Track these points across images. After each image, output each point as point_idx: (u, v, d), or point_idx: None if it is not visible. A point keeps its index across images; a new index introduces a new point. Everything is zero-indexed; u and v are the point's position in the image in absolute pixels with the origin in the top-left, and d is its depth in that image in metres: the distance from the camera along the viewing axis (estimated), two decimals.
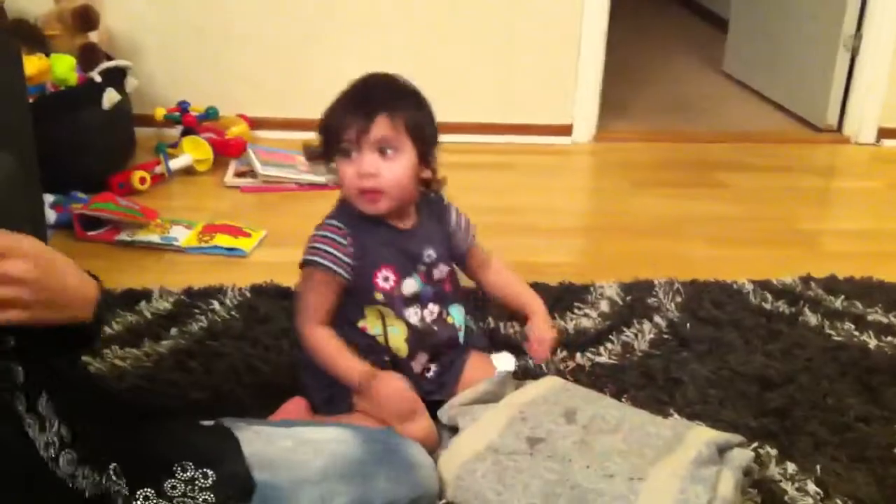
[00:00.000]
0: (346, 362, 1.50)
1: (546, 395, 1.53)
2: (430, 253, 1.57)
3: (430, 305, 1.58)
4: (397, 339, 1.55)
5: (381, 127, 1.47)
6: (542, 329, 1.69)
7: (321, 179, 2.76)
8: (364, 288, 1.53)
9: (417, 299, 1.56)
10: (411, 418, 1.46)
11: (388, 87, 1.54)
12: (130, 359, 1.76)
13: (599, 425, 1.45)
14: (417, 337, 1.56)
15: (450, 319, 1.62)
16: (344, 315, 1.55)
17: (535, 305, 1.74)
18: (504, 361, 1.69)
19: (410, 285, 1.55)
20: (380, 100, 1.49)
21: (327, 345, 1.52)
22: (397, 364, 1.56)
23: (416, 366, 1.58)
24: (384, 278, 1.53)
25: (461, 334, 1.64)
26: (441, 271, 1.60)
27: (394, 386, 1.48)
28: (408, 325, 1.55)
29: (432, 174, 1.58)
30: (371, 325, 1.55)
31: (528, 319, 1.72)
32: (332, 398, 1.55)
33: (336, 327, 1.54)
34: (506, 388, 1.58)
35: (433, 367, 1.60)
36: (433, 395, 1.57)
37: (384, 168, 1.48)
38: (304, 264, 1.53)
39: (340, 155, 1.50)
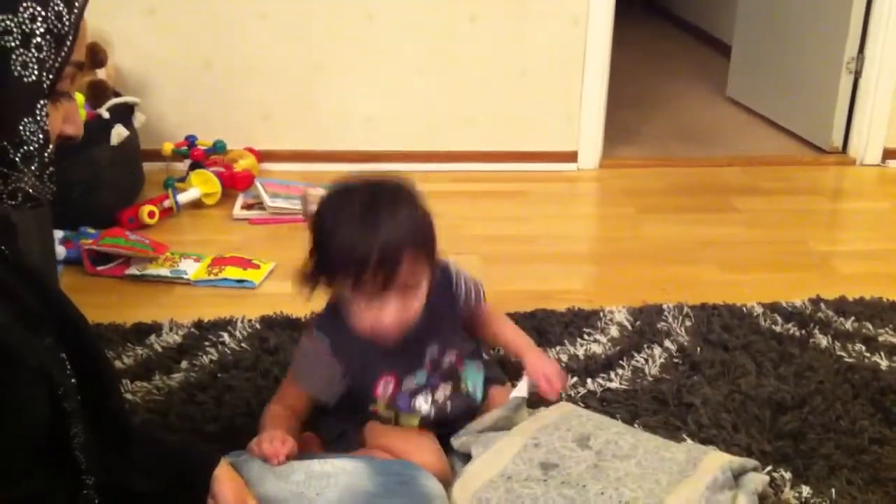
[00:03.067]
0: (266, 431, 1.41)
1: (559, 422, 1.53)
2: (434, 349, 1.48)
3: (441, 386, 1.50)
4: (410, 422, 1.49)
5: (407, 269, 1.33)
6: (539, 365, 1.58)
7: None
8: (363, 395, 1.47)
9: (424, 388, 1.49)
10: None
11: (405, 213, 1.36)
12: (141, 392, 1.77)
13: (613, 450, 1.45)
14: (430, 420, 1.50)
15: (464, 387, 1.53)
16: (354, 400, 1.50)
17: (523, 346, 1.64)
18: (518, 387, 1.68)
19: (411, 381, 1.48)
20: (403, 233, 1.33)
21: (267, 413, 1.49)
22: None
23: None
24: (384, 384, 1.46)
25: (478, 393, 1.57)
26: (450, 356, 1.51)
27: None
28: (419, 416, 1.49)
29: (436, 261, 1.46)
30: (382, 409, 1.49)
31: (523, 363, 1.62)
32: (343, 434, 1.54)
33: (349, 406, 1.51)
34: (520, 415, 1.57)
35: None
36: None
37: (405, 304, 1.37)
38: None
39: (353, 294, 1.36)
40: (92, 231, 2.46)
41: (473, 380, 1.56)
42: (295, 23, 3.07)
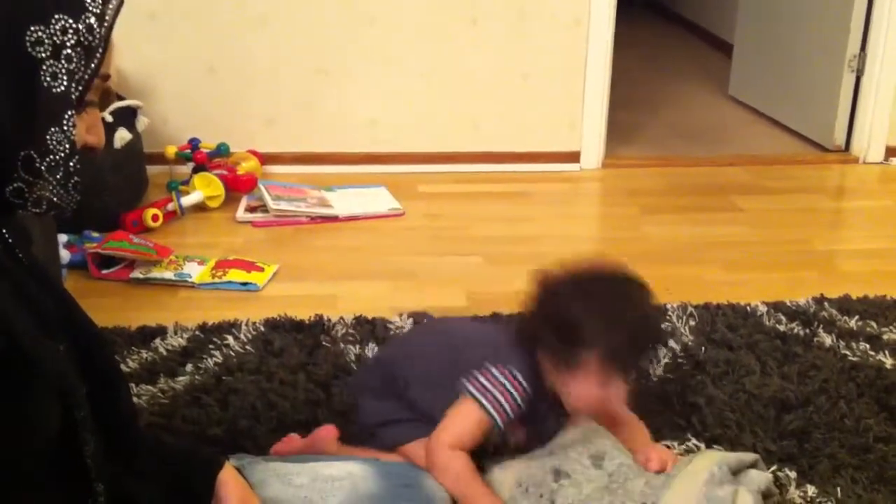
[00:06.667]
0: (485, 499, 1.42)
1: (575, 440, 1.52)
2: (549, 422, 1.52)
3: (517, 431, 1.52)
4: None
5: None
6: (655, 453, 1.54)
7: (332, 213, 2.80)
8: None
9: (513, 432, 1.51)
10: None
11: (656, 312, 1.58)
12: (146, 396, 1.77)
13: (626, 474, 1.44)
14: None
15: None
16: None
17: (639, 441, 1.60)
18: None
19: (521, 433, 1.52)
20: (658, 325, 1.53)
21: (468, 474, 1.43)
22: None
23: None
24: (513, 433, 1.49)
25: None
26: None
27: None
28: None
29: None
30: None
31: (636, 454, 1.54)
32: (386, 424, 1.53)
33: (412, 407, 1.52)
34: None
35: None
36: None
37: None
38: (473, 399, 1.44)
39: (599, 374, 1.39)
40: (96, 235, 2.47)
41: None
42: (297, 26, 3.07)
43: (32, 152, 0.90)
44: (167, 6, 3.02)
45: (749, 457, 1.46)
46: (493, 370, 1.45)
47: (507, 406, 1.43)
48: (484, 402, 1.43)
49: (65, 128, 0.91)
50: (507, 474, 1.44)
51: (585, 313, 1.40)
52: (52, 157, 0.92)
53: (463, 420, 1.45)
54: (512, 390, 1.44)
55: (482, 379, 1.44)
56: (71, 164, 0.93)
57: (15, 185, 0.91)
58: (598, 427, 1.56)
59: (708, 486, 1.35)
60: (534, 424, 1.50)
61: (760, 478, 1.43)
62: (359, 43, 3.10)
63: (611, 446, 1.50)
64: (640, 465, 1.47)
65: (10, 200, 0.92)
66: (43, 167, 0.91)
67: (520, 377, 1.44)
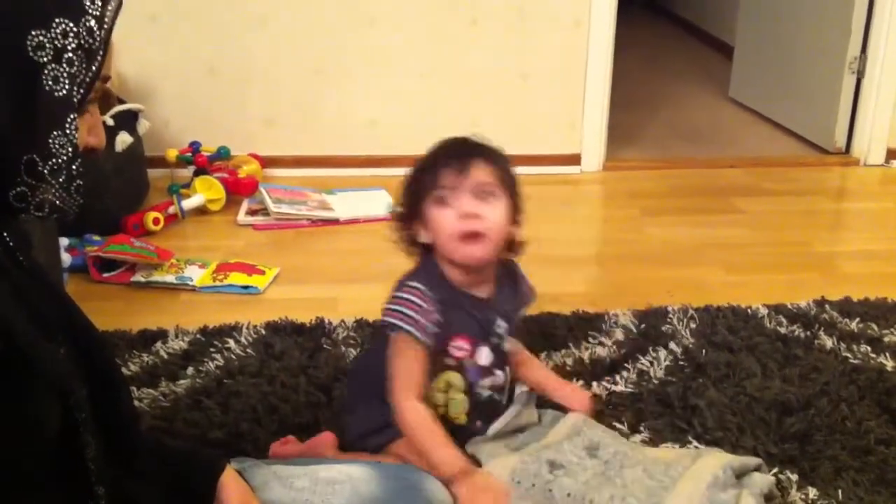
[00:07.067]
0: (442, 449, 1.42)
1: (569, 433, 1.53)
2: (500, 324, 1.53)
3: (502, 376, 1.55)
4: (457, 410, 1.51)
5: (481, 171, 1.44)
6: (575, 396, 1.66)
7: (332, 216, 2.80)
8: (437, 353, 1.48)
9: (490, 370, 1.53)
10: None
11: (480, 141, 1.52)
12: (148, 399, 1.77)
13: (621, 461, 1.44)
14: (481, 409, 1.53)
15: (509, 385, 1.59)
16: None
17: (554, 381, 1.70)
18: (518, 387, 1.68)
19: (485, 356, 1.51)
20: (476, 147, 1.49)
21: (423, 424, 1.44)
22: (454, 431, 1.51)
23: (472, 428, 1.55)
24: (458, 346, 1.49)
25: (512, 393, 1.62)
26: (507, 343, 1.56)
27: (484, 484, 1.39)
28: (472, 397, 1.51)
29: (516, 236, 1.54)
30: (434, 395, 1.50)
31: (554, 393, 1.67)
32: (366, 435, 1.54)
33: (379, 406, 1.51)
34: (530, 412, 1.60)
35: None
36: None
37: (485, 210, 1.44)
38: (387, 326, 1.46)
39: (435, 204, 1.45)
40: (97, 238, 2.47)
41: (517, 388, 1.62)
42: (297, 29, 3.08)
43: (35, 156, 0.90)
44: (167, 8, 3.03)
45: (753, 461, 1.46)
46: (394, 295, 1.48)
47: (419, 317, 1.44)
48: (397, 323, 1.44)
49: (67, 131, 0.92)
50: (501, 468, 1.44)
51: (417, 166, 1.51)
52: (54, 160, 0.92)
53: (397, 360, 1.47)
54: (414, 299, 1.45)
55: (388, 307, 1.47)
56: (73, 167, 0.94)
57: (18, 189, 0.91)
58: (590, 420, 1.59)
59: (711, 489, 1.35)
60: (487, 337, 1.51)
61: (763, 481, 1.43)
62: (358, 45, 3.10)
63: (604, 436, 1.51)
64: (559, 400, 1.62)
65: (13, 204, 0.92)
66: (46, 171, 0.91)
67: (416, 283, 1.47)
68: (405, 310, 1.45)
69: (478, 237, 1.44)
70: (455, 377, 1.49)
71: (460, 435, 1.51)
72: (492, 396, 1.54)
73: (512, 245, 1.54)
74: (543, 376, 1.70)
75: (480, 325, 1.51)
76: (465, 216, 1.43)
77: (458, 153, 1.46)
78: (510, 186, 1.49)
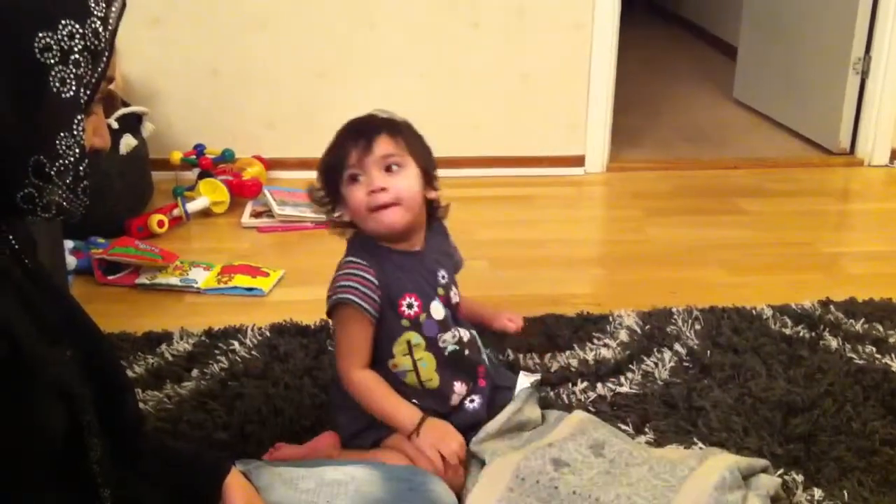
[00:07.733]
0: (395, 405, 1.51)
1: (574, 432, 1.53)
2: (443, 273, 1.58)
3: (462, 331, 1.59)
4: (427, 370, 1.54)
5: (384, 145, 1.50)
6: (499, 313, 1.77)
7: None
8: (389, 318, 1.52)
9: (447, 324, 1.56)
10: (454, 463, 1.46)
11: (382, 116, 1.58)
12: (153, 401, 1.77)
13: (626, 459, 1.45)
14: (447, 364, 1.55)
15: (479, 343, 1.64)
16: (374, 356, 1.54)
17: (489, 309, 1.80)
18: (520, 382, 1.68)
19: (438, 310, 1.55)
20: (377, 123, 1.55)
21: (375, 388, 1.51)
22: (436, 399, 1.55)
23: (454, 397, 1.57)
24: (408, 305, 1.52)
25: (485, 357, 1.65)
26: (455, 294, 1.61)
27: (443, 429, 1.49)
28: (437, 354, 1.54)
29: (436, 196, 1.60)
30: (400, 361, 1.53)
31: (491, 322, 1.77)
32: (358, 433, 1.56)
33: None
34: (531, 408, 1.60)
35: (476, 399, 1.59)
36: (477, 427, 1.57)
37: (393, 181, 1.50)
38: (332, 305, 1.51)
39: (347, 183, 1.51)
40: (102, 241, 2.48)
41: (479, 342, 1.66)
42: (300, 31, 3.08)
43: (42, 158, 0.91)
44: (171, 11, 3.03)
45: (760, 462, 1.46)
46: (334, 276, 1.53)
47: (360, 287, 1.49)
48: (339, 296, 1.49)
49: (74, 132, 0.92)
50: (505, 466, 1.44)
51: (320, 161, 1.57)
52: (62, 161, 0.92)
53: (341, 330, 1.54)
54: (354, 271, 1.50)
55: (332, 286, 1.52)
56: (80, 168, 0.94)
57: (26, 190, 0.91)
58: (595, 419, 1.60)
59: (718, 490, 1.35)
60: (434, 288, 1.55)
61: (769, 482, 1.43)
62: (360, 47, 3.11)
63: (609, 435, 1.52)
64: (497, 328, 1.75)
65: (20, 206, 0.92)
66: (53, 172, 0.92)
67: (351, 258, 1.52)
68: (347, 283, 1.50)
69: (390, 206, 1.50)
70: (413, 335, 1.53)
71: (461, 418, 1.54)
72: (458, 351, 1.56)
73: (434, 208, 1.61)
74: (478, 307, 1.78)
75: (424, 279, 1.55)
76: (374, 191, 1.49)
77: (361, 130, 1.53)
78: (418, 154, 1.54)
